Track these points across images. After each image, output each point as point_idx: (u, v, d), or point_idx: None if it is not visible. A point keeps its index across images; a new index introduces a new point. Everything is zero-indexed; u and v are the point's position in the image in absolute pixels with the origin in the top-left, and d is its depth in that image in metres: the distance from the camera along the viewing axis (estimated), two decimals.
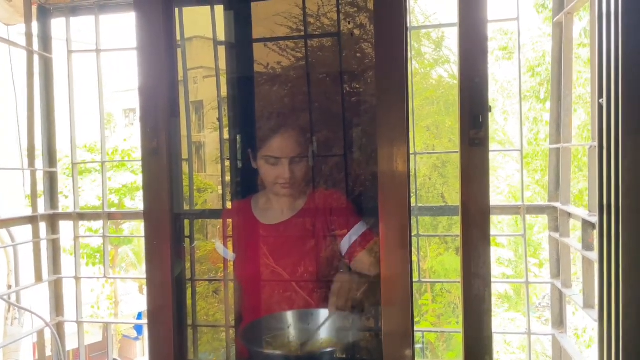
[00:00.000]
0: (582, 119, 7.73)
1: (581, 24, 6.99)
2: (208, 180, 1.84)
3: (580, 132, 7.59)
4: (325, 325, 1.43)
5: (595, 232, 1.49)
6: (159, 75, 1.25)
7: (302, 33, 1.71)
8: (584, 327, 7.97)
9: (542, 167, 9.02)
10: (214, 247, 1.76)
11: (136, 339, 12.31)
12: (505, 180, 10.26)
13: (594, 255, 1.81)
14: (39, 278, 2.36)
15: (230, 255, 1.73)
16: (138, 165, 11.41)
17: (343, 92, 1.68)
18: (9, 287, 2.61)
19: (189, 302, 1.54)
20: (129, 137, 12.68)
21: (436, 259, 7.28)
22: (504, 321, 8.79)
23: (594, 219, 1.71)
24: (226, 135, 1.74)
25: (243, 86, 1.77)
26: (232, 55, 1.75)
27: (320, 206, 1.65)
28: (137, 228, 9.80)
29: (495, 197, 9.48)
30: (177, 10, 1.49)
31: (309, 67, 1.71)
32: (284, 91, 1.78)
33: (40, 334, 2.49)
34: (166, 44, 1.26)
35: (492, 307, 1.18)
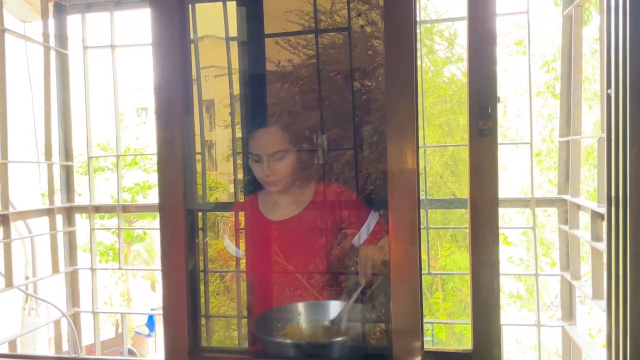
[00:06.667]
0: (597, 116, 7.63)
1: (598, 18, 6.89)
2: (219, 179, 1.86)
3: (596, 129, 7.50)
4: (340, 311, 1.43)
5: (604, 223, 1.50)
6: (174, 69, 1.28)
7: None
8: (599, 328, 7.89)
9: (556, 165, 8.91)
10: (223, 245, 1.76)
11: (148, 335, 12.37)
12: (517, 178, 10.19)
13: (602, 246, 1.82)
14: (55, 269, 2.41)
15: (240, 253, 1.73)
16: (150, 164, 11.47)
17: (353, 89, 1.68)
18: (27, 278, 2.66)
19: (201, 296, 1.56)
20: (141, 136, 12.74)
21: (448, 257, 7.24)
22: (515, 320, 8.74)
23: (603, 210, 1.72)
24: (238, 134, 1.75)
25: (254, 84, 1.78)
26: (243, 53, 1.77)
27: (327, 201, 1.64)
28: (149, 226, 9.89)
29: (508, 195, 9.39)
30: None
31: (319, 64, 1.71)
32: (294, 89, 1.79)
33: (57, 325, 2.54)
34: (180, 39, 1.28)
35: (500, 297, 1.19)
